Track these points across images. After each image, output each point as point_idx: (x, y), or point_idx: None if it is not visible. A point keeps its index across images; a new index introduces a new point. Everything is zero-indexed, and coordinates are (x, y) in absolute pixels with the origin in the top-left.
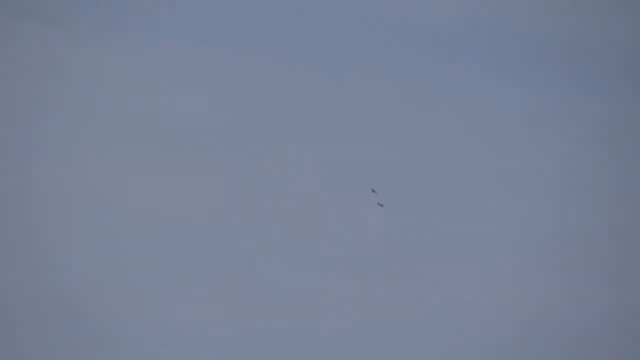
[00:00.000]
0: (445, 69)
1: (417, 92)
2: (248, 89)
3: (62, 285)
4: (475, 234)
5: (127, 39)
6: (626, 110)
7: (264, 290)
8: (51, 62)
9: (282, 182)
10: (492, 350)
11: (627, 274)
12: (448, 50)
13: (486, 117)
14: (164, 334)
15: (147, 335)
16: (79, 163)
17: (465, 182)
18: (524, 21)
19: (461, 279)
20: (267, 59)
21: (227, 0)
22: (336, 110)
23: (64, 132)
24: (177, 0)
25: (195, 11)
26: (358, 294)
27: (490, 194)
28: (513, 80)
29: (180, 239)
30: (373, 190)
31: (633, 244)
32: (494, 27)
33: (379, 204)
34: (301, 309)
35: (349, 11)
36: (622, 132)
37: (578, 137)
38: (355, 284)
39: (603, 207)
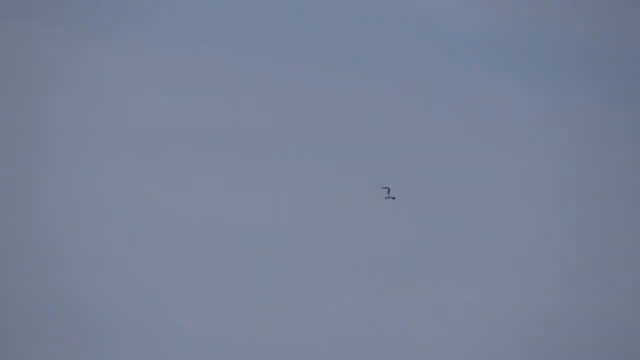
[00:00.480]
0: (446, 69)
1: (417, 92)
2: (248, 89)
3: (61, 285)
4: (474, 234)
5: (127, 39)
6: (626, 110)
7: (263, 290)
8: (51, 63)
9: (281, 183)
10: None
11: (628, 274)
12: (448, 50)
13: (486, 117)
14: (164, 334)
15: (146, 336)
16: (78, 162)
17: (465, 182)
18: (525, 21)
19: (462, 279)
20: (267, 59)
21: (227, 0)
22: (336, 110)
23: (63, 132)
24: (177, 0)
25: (195, 11)
26: (359, 294)
27: (490, 194)
28: (514, 80)
29: (180, 239)
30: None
31: (634, 244)
32: (494, 27)
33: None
34: (301, 309)
35: (349, 11)
36: (622, 132)
37: (578, 137)
38: (355, 284)
39: (604, 207)
